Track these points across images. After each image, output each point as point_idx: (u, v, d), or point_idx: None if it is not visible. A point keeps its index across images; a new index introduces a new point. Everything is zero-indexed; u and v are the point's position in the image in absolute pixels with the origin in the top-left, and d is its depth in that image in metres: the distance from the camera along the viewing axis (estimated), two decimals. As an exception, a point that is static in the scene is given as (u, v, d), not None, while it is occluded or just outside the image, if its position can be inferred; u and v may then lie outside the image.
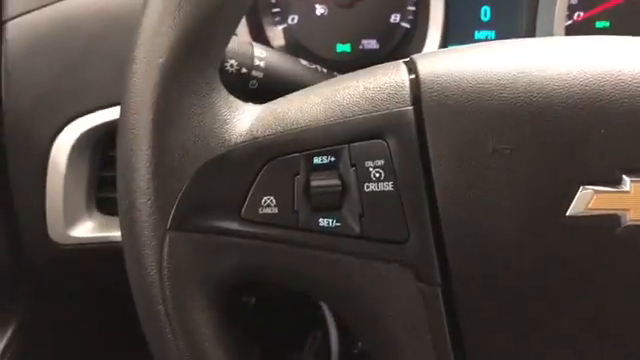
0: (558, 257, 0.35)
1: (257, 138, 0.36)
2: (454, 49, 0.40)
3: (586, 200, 0.34)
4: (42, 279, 0.67)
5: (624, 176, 0.34)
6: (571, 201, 0.34)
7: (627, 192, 0.34)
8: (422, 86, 0.36)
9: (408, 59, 0.39)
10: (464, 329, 0.36)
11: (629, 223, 0.34)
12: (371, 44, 0.72)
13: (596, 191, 0.34)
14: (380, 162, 0.35)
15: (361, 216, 0.36)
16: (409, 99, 0.36)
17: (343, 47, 0.72)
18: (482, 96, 0.35)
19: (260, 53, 0.48)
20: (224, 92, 0.37)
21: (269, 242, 0.36)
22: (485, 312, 0.36)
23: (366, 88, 0.37)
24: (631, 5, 0.70)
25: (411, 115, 0.36)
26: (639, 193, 0.34)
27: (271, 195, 0.36)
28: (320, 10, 0.71)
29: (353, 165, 0.36)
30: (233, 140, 0.36)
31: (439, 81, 0.36)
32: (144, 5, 0.35)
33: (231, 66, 0.47)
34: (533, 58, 0.36)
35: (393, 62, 0.39)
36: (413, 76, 0.37)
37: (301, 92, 0.39)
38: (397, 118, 0.36)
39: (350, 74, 0.40)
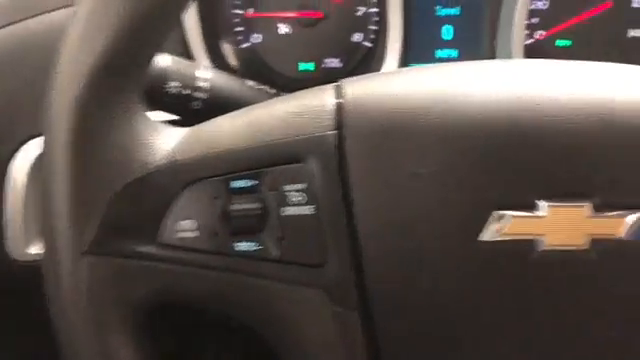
0: (474, 281, 0.35)
1: (177, 160, 0.36)
2: (384, 73, 0.41)
3: (501, 225, 0.34)
4: (2, 295, 0.67)
5: (540, 201, 0.34)
6: (486, 225, 0.34)
7: (543, 217, 0.34)
8: (345, 111, 0.36)
9: (338, 83, 0.39)
10: (383, 353, 0.36)
11: (544, 248, 0.34)
12: (334, 63, 0.72)
13: (511, 216, 0.34)
14: (300, 186, 0.36)
15: (281, 240, 0.36)
16: (333, 123, 0.36)
17: (306, 66, 0.73)
18: (403, 120, 0.35)
19: (204, 74, 0.49)
20: (145, 115, 0.37)
21: (188, 267, 0.36)
22: (404, 335, 0.36)
23: (290, 112, 0.37)
24: (593, 24, 0.70)
25: (333, 139, 0.36)
26: (555, 218, 0.34)
27: (190, 219, 0.36)
28: (284, 29, 0.72)
29: (274, 189, 0.36)
30: (153, 163, 0.36)
31: (363, 106, 0.36)
32: (65, 33, 0.35)
33: (173, 87, 0.47)
34: (458, 83, 0.37)
35: (323, 86, 0.39)
36: (340, 100, 0.37)
37: (231, 114, 0.39)
38: (318, 142, 0.36)
39: (282, 97, 0.40)
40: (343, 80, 0.39)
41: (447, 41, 0.72)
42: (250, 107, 0.40)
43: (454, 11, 0.72)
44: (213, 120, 0.39)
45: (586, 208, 0.34)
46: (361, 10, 0.71)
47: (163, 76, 0.46)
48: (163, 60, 0.47)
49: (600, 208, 0.34)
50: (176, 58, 0.48)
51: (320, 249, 0.35)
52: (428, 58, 0.72)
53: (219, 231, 0.36)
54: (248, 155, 0.36)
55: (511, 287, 0.35)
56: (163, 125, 0.38)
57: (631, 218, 0.34)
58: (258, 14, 0.72)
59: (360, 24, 0.71)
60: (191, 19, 0.63)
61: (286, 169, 0.36)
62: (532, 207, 0.34)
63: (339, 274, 0.35)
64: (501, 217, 0.34)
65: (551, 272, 0.35)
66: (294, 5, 0.71)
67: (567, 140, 0.34)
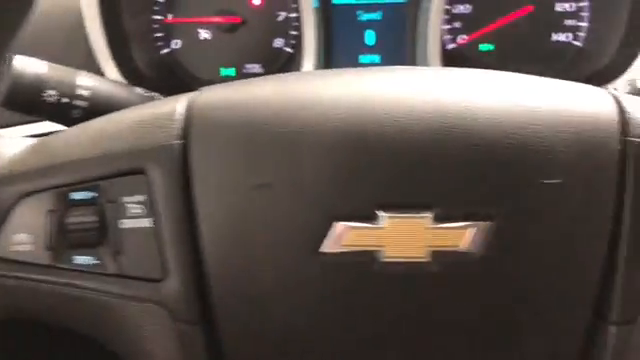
0: (316, 293, 0.34)
1: (12, 172, 0.35)
2: (246, 80, 0.40)
3: (341, 236, 0.33)
4: None
5: (379, 212, 0.33)
6: (326, 237, 0.33)
7: (382, 228, 0.33)
8: (194, 120, 0.35)
9: (198, 91, 0.38)
10: None
11: (385, 260, 0.33)
12: (255, 68, 0.72)
13: (351, 227, 0.33)
14: (140, 198, 0.35)
15: (119, 253, 0.35)
16: (179, 133, 0.35)
17: (227, 71, 0.72)
18: (248, 130, 0.34)
19: (85, 82, 0.48)
20: None
21: (25, 281, 0.35)
22: (250, 350, 0.35)
23: (137, 120, 0.36)
24: (515, 28, 0.69)
25: (178, 149, 0.35)
26: (395, 229, 0.33)
27: (26, 232, 0.35)
28: (204, 35, 0.71)
29: (112, 201, 0.35)
30: None
31: (210, 115, 0.35)
32: None
33: (50, 96, 0.46)
34: (302, 93, 0.36)
35: (182, 94, 0.38)
36: (190, 109, 0.36)
37: (83, 124, 0.38)
38: (162, 152, 0.35)
39: (138, 105, 0.39)
40: (204, 88, 0.38)
41: (370, 46, 0.71)
42: (105, 116, 0.39)
43: (375, 16, 0.71)
44: (66, 129, 0.38)
45: (426, 219, 0.33)
46: (282, 15, 0.70)
47: (39, 84, 0.45)
48: (38, 67, 0.46)
49: (440, 219, 0.33)
50: (54, 65, 0.47)
51: (159, 263, 0.34)
52: (352, 63, 0.71)
53: (56, 245, 0.35)
54: (88, 166, 0.35)
55: (354, 299, 0.34)
56: (6, 136, 0.37)
57: (473, 230, 0.33)
58: (178, 19, 0.71)
59: (281, 29, 0.71)
60: (95, 29, 0.62)
61: (126, 180, 0.35)
62: (372, 218, 0.33)
63: (180, 288, 0.34)
64: (341, 228, 0.33)
65: (392, 284, 0.34)
66: (213, 10, 0.70)
67: (406, 150, 0.33)
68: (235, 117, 0.35)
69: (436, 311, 0.34)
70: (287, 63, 0.71)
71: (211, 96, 0.37)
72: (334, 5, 0.70)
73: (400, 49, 0.71)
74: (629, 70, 0.62)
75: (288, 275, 0.34)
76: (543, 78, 0.37)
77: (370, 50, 0.71)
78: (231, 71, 0.72)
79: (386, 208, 0.33)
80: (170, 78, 0.71)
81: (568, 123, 0.34)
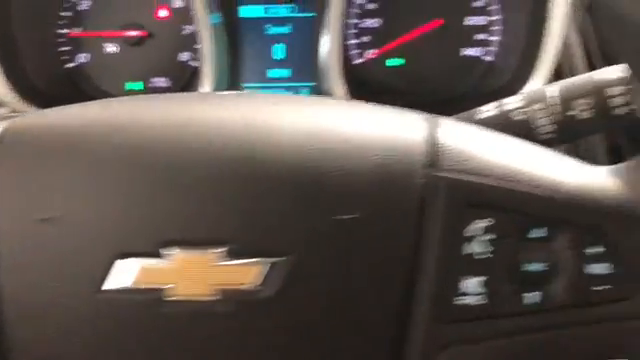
0: (101, 334, 0.33)
1: None
2: (71, 106, 0.38)
3: (128, 273, 0.32)
4: None
5: (166, 248, 0.32)
6: (110, 274, 0.32)
7: (171, 265, 0.32)
8: (2, 148, 0.34)
9: (21, 115, 0.37)
10: None
11: (171, 299, 0.32)
12: (162, 82, 0.71)
13: (136, 264, 0.32)
14: None
15: None
16: None
17: (133, 85, 0.71)
18: (47, 160, 0.33)
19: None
20: None
21: None
22: None
23: None
24: (425, 42, 0.68)
25: None
26: (182, 266, 0.32)
27: None
28: (110, 48, 0.70)
29: None
30: None
31: (15, 143, 0.34)
32: None
33: None
34: (109, 120, 0.34)
35: (8, 120, 0.37)
36: (4, 134, 0.35)
37: None
38: None
39: None
40: (28, 112, 0.37)
41: (278, 60, 0.70)
42: None
43: (284, 29, 0.70)
44: None
45: (214, 256, 0.32)
46: (187, 29, 0.69)
47: None
48: None
49: (229, 256, 0.32)
50: None
51: None
52: (260, 78, 0.70)
53: None
54: None
55: (140, 339, 0.33)
56: None
57: (262, 266, 0.32)
58: (83, 33, 0.70)
59: (187, 43, 0.69)
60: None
61: None
62: (158, 255, 0.32)
63: None
64: (125, 265, 0.32)
65: (181, 325, 0.32)
66: (120, 24, 0.69)
67: (194, 182, 0.32)
68: (35, 145, 0.34)
69: (225, 353, 0.33)
70: (193, 77, 0.70)
71: (25, 122, 0.36)
72: (240, 19, 0.69)
73: (310, 63, 0.69)
74: (528, 85, 0.60)
75: (74, 314, 0.33)
76: (356, 103, 0.36)
77: (279, 64, 0.70)
78: (139, 85, 0.71)
79: (173, 244, 0.32)
80: (76, 93, 0.70)
81: (371, 154, 0.32)
